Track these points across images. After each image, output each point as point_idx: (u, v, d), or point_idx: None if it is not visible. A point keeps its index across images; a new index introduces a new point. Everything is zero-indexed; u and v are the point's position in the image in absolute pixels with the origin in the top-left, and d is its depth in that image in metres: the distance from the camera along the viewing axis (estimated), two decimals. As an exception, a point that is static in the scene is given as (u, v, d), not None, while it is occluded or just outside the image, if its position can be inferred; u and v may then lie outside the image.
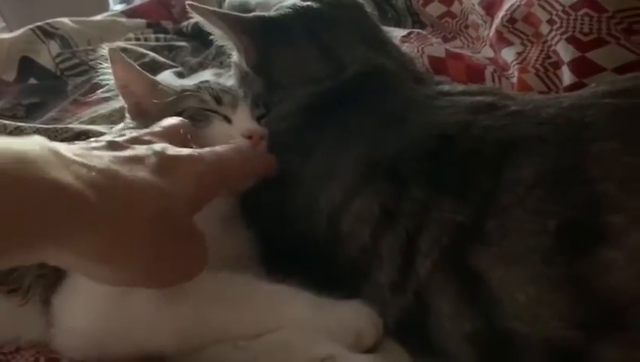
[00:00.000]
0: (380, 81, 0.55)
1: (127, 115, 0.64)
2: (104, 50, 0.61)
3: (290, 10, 0.61)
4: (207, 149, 0.46)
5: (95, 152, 0.37)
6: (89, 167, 0.35)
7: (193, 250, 0.42)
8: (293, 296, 0.48)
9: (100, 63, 0.62)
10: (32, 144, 0.33)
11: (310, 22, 0.60)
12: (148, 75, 0.64)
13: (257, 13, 0.63)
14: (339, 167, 0.50)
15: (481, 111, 0.47)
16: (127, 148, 0.40)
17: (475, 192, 0.42)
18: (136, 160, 0.39)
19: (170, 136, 0.46)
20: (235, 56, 0.66)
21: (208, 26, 0.62)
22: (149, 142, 0.42)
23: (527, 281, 0.38)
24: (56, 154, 0.34)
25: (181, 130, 0.48)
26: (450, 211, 0.42)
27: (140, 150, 0.40)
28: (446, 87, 0.55)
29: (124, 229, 0.35)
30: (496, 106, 0.47)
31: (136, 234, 0.36)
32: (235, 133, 0.57)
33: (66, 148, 0.35)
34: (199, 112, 0.59)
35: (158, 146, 0.41)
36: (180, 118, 0.51)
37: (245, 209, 0.59)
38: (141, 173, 0.38)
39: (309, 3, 0.61)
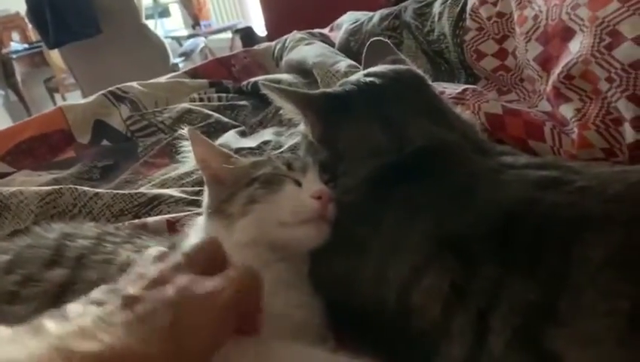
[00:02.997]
0: (443, 155, 0.57)
1: (205, 186, 0.68)
2: (184, 130, 0.66)
3: (354, 86, 0.64)
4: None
5: (106, 321, 0.35)
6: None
7: None
8: None
9: (181, 142, 0.67)
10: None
11: (373, 98, 0.63)
12: (222, 149, 0.69)
13: (323, 90, 0.66)
14: (406, 242, 0.52)
15: (547, 186, 0.48)
16: (141, 301, 0.37)
17: (545, 271, 0.43)
18: (145, 319, 0.35)
19: (197, 262, 0.42)
20: (302, 127, 0.69)
21: (278, 101, 0.66)
22: (171, 280, 0.39)
23: None
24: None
25: (210, 250, 0.44)
26: (521, 290, 0.43)
27: (147, 303, 0.37)
28: (509, 159, 0.56)
29: None
30: (562, 181, 0.48)
31: None
32: (304, 195, 0.60)
33: (64, 332, 0.33)
34: (272, 177, 0.63)
35: (170, 295, 0.37)
36: (211, 237, 0.47)
37: (313, 276, 0.61)
38: (151, 341, 0.34)
39: (372, 79, 0.64)
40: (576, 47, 0.83)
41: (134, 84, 1.50)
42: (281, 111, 0.70)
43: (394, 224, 0.54)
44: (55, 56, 4.08)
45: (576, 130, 0.82)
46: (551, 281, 0.42)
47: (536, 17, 0.98)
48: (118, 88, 1.46)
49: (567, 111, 0.86)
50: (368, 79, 0.65)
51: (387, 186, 0.57)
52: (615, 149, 0.77)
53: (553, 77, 0.90)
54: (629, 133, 0.75)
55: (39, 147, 1.33)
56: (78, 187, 0.93)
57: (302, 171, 0.64)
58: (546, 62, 0.95)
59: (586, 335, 0.39)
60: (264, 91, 0.67)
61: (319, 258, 0.61)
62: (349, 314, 0.58)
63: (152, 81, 1.57)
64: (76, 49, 3.13)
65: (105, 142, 1.36)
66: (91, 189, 0.93)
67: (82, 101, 1.47)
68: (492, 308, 0.44)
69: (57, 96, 4.95)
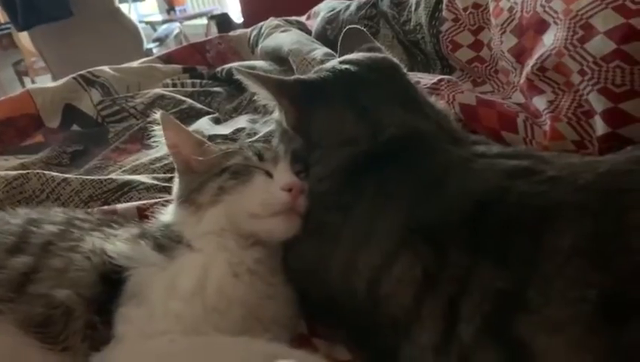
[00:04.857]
0: (416, 143, 0.57)
1: (176, 173, 0.67)
2: (156, 114, 0.65)
3: (329, 73, 0.63)
4: None
5: None
6: None
7: None
8: None
9: (152, 127, 0.65)
10: None
11: (348, 85, 0.62)
12: (195, 135, 0.68)
13: (297, 76, 0.65)
14: (378, 229, 0.52)
15: (517, 176, 0.49)
16: None
17: (514, 259, 0.43)
18: None
19: None
20: (276, 114, 0.68)
21: (252, 87, 0.65)
22: None
23: (571, 351, 0.39)
24: None
25: None
26: (491, 278, 0.43)
27: None
28: (481, 148, 0.56)
29: None
30: (532, 171, 0.49)
31: None
32: (274, 187, 0.60)
33: None
34: (243, 168, 0.62)
35: None
36: None
37: (285, 265, 0.61)
38: None
39: (347, 66, 0.64)
40: (550, 39, 0.84)
41: (106, 68, 1.46)
42: (255, 98, 0.69)
43: (366, 213, 0.54)
44: (24, 38, 3.96)
45: (548, 121, 0.83)
46: (520, 270, 0.43)
47: (511, 9, 0.99)
48: (88, 72, 1.42)
49: (540, 103, 0.87)
50: (343, 66, 0.64)
51: (360, 175, 0.57)
52: (586, 141, 0.78)
53: (527, 69, 0.90)
54: (599, 126, 0.76)
55: (6, 131, 1.29)
56: (46, 172, 0.91)
57: (273, 162, 0.63)
58: (520, 54, 0.96)
59: (554, 322, 0.40)
60: (238, 77, 0.66)
61: (290, 247, 0.61)
62: (321, 303, 0.58)
63: (124, 65, 1.54)
64: (46, 32, 3.03)
65: (75, 127, 1.32)
66: (60, 175, 0.91)
67: (51, 84, 1.43)
68: (463, 296, 0.44)
69: (27, 80, 4.81)
